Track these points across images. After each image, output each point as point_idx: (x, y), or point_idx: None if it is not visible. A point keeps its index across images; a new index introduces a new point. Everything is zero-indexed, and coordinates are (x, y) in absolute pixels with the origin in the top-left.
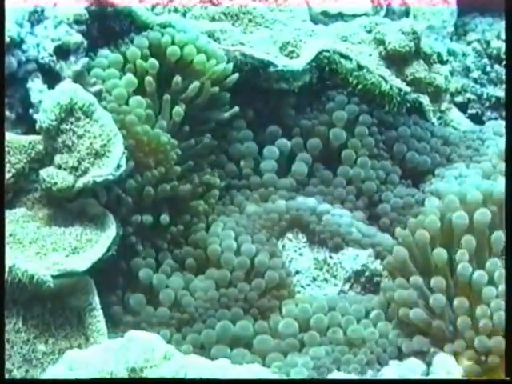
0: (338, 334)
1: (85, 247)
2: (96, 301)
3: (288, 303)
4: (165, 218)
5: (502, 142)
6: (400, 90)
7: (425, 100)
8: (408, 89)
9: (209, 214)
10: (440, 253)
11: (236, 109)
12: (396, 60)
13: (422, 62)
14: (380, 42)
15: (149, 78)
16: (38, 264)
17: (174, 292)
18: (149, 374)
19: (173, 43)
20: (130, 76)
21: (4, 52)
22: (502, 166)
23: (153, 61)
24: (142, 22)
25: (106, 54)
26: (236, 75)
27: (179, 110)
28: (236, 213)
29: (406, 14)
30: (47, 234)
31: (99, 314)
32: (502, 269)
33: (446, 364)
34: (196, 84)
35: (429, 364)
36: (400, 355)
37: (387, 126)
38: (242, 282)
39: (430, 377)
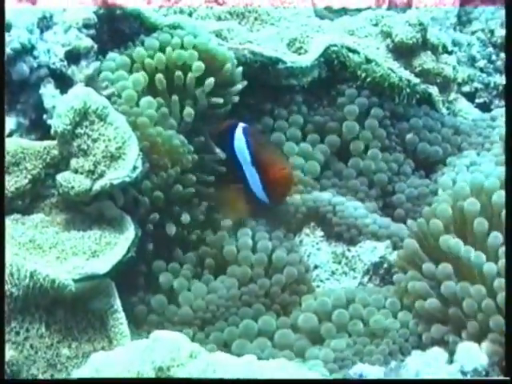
0: (358, 325)
1: (104, 250)
2: (118, 303)
3: (307, 298)
4: (186, 217)
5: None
6: (409, 81)
7: (434, 91)
8: (417, 80)
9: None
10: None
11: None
12: (404, 52)
13: (429, 52)
14: (387, 35)
15: (159, 76)
16: (58, 268)
17: (195, 295)
18: (176, 372)
19: (182, 47)
20: (136, 75)
21: (4, 54)
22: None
23: (159, 55)
24: (150, 23)
25: (113, 57)
26: (244, 82)
27: (190, 110)
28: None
29: (408, 6)
30: (66, 239)
31: (121, 316)
32: None
33: (469, 352)
34: (211, 80)
35: (452, 353)
36: (421, 344)
37: (398, 117)
38: (260, 278)
39: (453, 365)
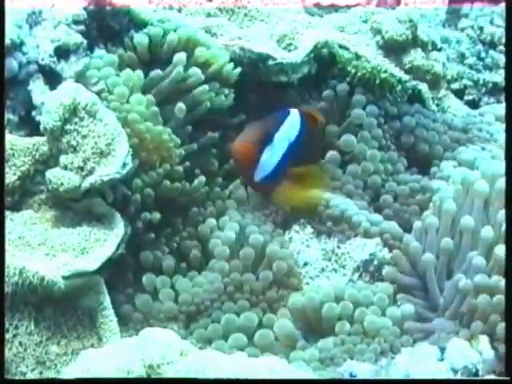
0: (348, 323)
1: (94, 247)
2: (107, 300)
3: (295, 294)
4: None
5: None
6: (399, 78)
7: (423, 87)
8: (407, 77)
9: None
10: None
11: None
12: (394, 49)
13: (419, 49)
14: (377, 32)
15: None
16: (48, 265)
17: (179, 290)
18: (166, 370)
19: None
20: (128, 72)
21: (4, 54)
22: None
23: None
24: (140, 19)
25: (100, 55)
26: (238, 69)
27: (182, 106)
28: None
29: (397, 2)
30: (55, 235)
31: (111, 313)
32: None
33: (460, 349)
34: (197, 72)
35: (443, 349)
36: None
37: (390, 115)
38: (249, 272)
39: (444, 362)
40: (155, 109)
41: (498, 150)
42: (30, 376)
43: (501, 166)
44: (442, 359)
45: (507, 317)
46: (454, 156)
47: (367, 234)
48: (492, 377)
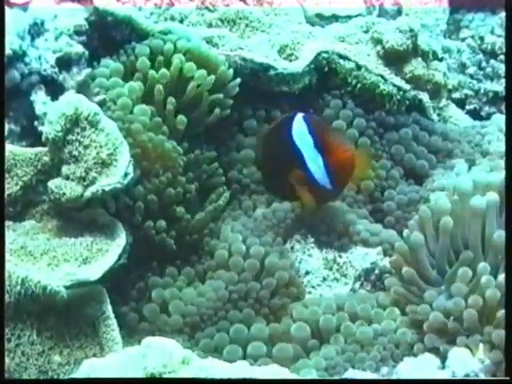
0: (350, 332)
1: (96, 257)
2: (109, 309)
3: (297, 305)
4: (160, 223)
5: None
6: (400, 87)
7: (424, 97)
8: (407, 86)
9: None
10: None
11: None
12: (394, 58)
13: (419, 59)
14: (377, 42)
15: (159, 87)
16: (50, 275)
17: (185, 302)
18: None
19: (175, 51)
20: (132, 84)
21: (4, 63)
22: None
23: (164, 71)
24: (142, 30)
25: (107, 64)
26: (237, 81)
27: (183, 118)
28: (243, 216)
29: (399, 13)
30: (58, 245)
31: (113, 322)
32: None
33: (461, 358)
34: (194, 84)
35: (443, 359)
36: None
37: (388, 125)
38: (252, 282)
39: (445, 371)
40: (158, 119)
41: (495, 161)
42: None
43: (494, 177)
44: (443, 367)
45: (507, 318)
46: (446, 167)
47: (367, 244)
48: None
